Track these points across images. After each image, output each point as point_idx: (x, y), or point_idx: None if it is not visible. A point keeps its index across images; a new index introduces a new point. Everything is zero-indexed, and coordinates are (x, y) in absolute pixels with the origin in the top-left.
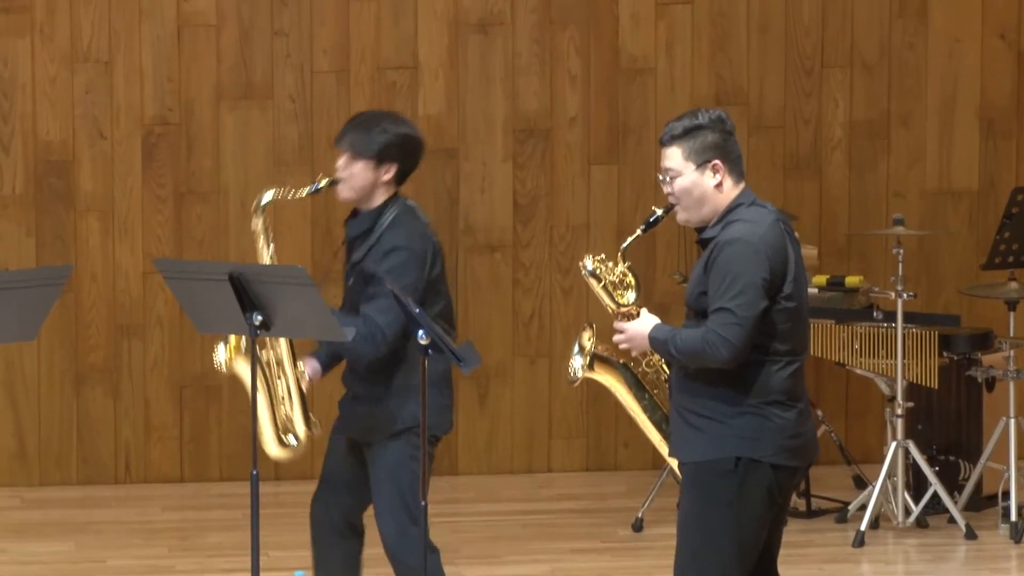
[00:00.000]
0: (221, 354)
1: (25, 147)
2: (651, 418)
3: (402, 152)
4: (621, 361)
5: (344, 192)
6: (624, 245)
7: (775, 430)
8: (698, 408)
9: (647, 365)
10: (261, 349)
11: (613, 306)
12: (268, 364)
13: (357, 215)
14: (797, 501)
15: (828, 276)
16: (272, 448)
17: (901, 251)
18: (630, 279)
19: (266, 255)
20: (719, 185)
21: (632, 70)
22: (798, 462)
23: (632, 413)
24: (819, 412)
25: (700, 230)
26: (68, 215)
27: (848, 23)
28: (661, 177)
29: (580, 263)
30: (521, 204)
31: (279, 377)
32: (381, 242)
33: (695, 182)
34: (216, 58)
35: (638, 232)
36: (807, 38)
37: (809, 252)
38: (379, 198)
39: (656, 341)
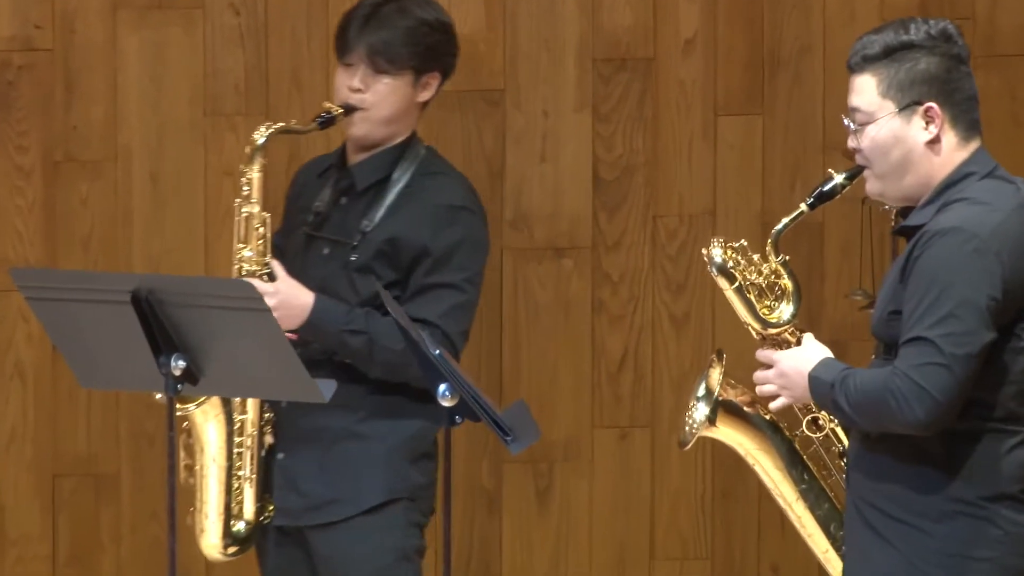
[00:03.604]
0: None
1: None
2: (814, 513)
3: (447, 50)
4: (768, 417)
5: (361, 127)
6: (778, 228)
7: (1006, 542)
8: (884, 503)
9: (809, 427)
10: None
11: (757, 325)
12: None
13: (345, 161)
14: None
15: None
16: (213, 543)
17: None
18: (786, 283)
19: (255, 224)
20: (934, 141)
21: None
22: None
23: (783, 504)
24: None
25: (905, 213)
26: None
27: None
28: (846, 122)
29: (704, 252)
30: (606, 180)
31: (244, 426)
32: (425, 193)
33: (895, 133)
34: None
35: (802, 207)
36: None
37: None
38: (403, 131)
39: (818, 384)
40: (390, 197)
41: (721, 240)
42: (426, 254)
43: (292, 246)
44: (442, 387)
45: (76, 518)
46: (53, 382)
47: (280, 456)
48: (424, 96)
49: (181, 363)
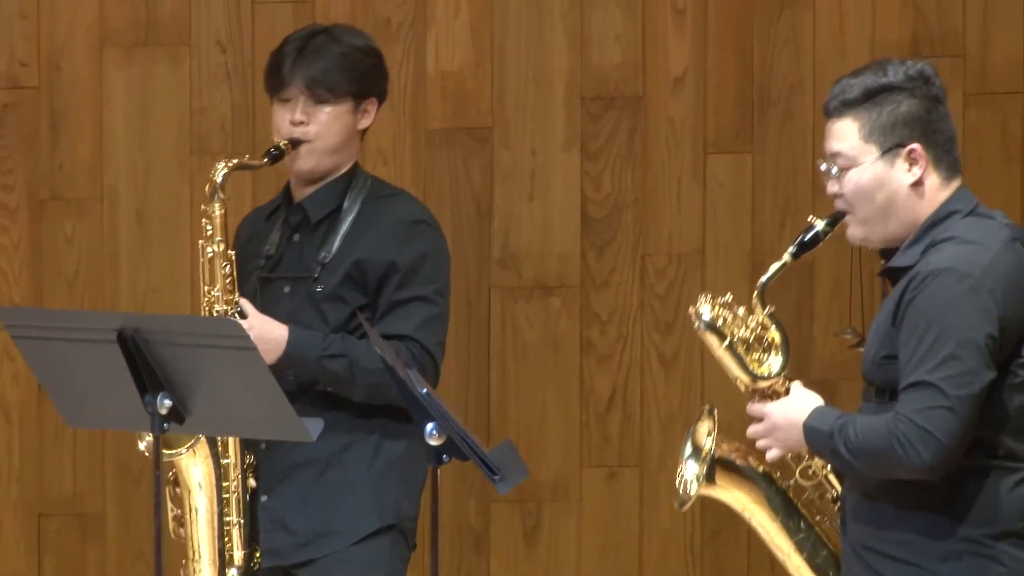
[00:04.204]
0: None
1: None
2: (812, 562)
3: (380, 75)
4: (761, 469)
5: (307, 160)
6: (763, 280)
7: None
8: (885, 546)
9: (802, 475)
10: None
11: (746, 379)
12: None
13: (292, 199)
14: None
15: None
16: None
17: None
18: (773, 335)
19: (221, 263)
20: (918, 183)
21: (775, 1)
22: None
23: (779, 554)
24: None
25: (886, 254)
26: None
27: None
28: (824, 167)
29: (692, 310)
30: (594, 218)
31: (229, 470)
32: (382, 215)
33: (878, 177)
34: None
35: (785, 258)
36: None
37: None
38: (347, 160)
39: (815, 434)
40: (344, 225)
41: (708, 296)
42: (394, 269)
43: (247, 294)
44: (429, 426)
45: (62, 558)
46: (39, 421)
47: (264, 499)
48: (364, 123)
49: (167, 402)
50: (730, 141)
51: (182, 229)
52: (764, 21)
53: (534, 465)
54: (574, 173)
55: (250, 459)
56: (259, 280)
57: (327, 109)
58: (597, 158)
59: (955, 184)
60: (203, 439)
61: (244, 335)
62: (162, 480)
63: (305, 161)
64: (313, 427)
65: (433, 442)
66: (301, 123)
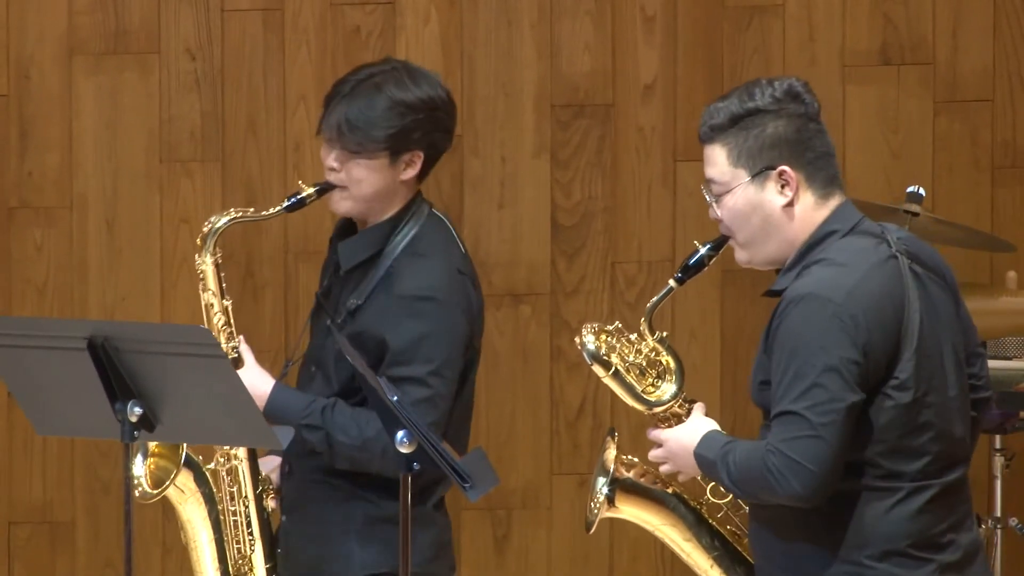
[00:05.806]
0: (139, 467)
1: None
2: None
3: (430, 128)
4: (671, 490)
5: (342, 205)
6: (650, 306)
7: None
8: (775, 567)
9: (713, 494)
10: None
11: (641, 407)
12: (217, 473)
13: (348, 230)
14: None
15: None
16: None
17: None
18: (666, 359)
19: (215, 313)
20: (790, 204)
21: (745, 9)
22: None
23: (699, 572)
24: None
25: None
26: None
27: None
28: (705, 194)
29: (576, 340)
30: (564, 226)
31: (235, 496)
32: (397, 279)
33: (751, 200)
34: None
35: (671, 284)
36: None
37: None
38: (394, 204)
39: (704, 462)
40: (378, 275)
41: (594, 326)
42: (385, 347)
43: (312, 311)
44: (400, 434)
45: (31, 566)
46: (8, 429)
47: (283, 519)
48: (408, 174)
49: (137, 410)
50: (700, 149)
51: (152, 238)
52: (734, 29)
53: (504, 473)
54: (544, 181)
55: (265, 484)
56: (317, 302)
57: (360, 161)
58: (567, 166)
59: (834, 202)
60: (182, 473)
61: (214, 343)
62: (131, 488)
63: (339, 205)
64: (283, 435)
65: (403, 449)
66: (333, 169)
